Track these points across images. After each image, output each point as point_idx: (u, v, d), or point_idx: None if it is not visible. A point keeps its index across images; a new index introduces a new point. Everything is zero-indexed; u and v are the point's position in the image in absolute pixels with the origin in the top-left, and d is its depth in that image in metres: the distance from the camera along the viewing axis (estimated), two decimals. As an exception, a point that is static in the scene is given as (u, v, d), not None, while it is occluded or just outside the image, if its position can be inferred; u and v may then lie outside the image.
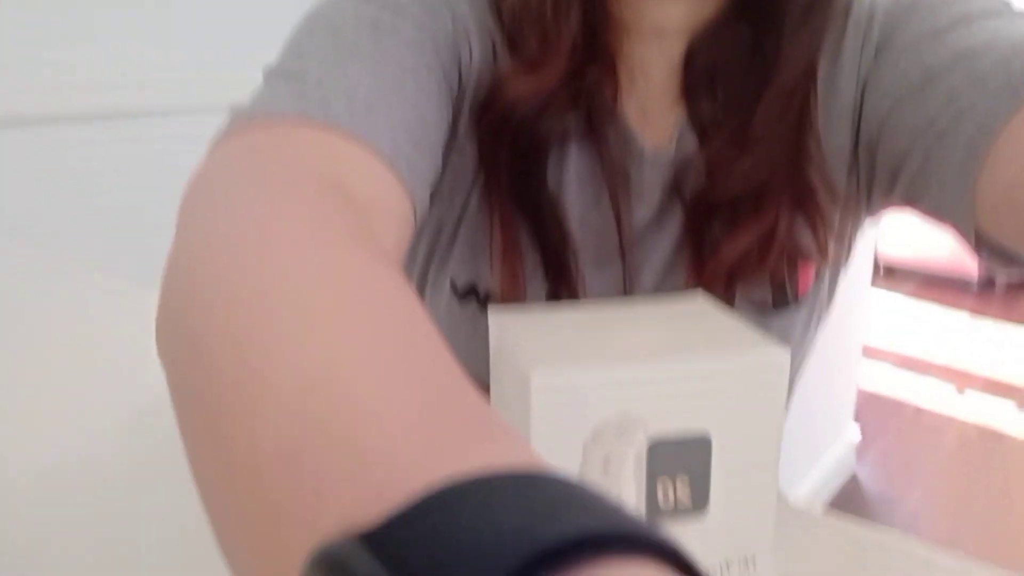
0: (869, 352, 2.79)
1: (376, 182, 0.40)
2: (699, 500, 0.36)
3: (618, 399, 0.34)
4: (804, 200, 0.56)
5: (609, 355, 0.35)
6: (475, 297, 0.61)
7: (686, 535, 0.37)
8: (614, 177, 0.57)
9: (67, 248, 1.01)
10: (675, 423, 0.35)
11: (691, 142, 0.57)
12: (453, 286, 0.61)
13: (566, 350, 0.36)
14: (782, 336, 0.62)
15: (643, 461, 0.35)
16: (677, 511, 0.36)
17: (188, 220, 0.32)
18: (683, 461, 0.36)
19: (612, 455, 0.35)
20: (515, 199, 0.57)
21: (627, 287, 0.60)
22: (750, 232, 0.54)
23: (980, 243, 0.48)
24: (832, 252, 0.59)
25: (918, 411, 2.66)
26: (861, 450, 2.44)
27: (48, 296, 0.79)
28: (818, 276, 0.62)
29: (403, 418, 0.20)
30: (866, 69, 0.55)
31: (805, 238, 0.57)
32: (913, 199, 0.54)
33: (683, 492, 0.36)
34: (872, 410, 2.64)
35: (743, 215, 0.55)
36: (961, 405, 2.67)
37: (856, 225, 0.63)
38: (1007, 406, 2.63)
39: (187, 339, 0.25)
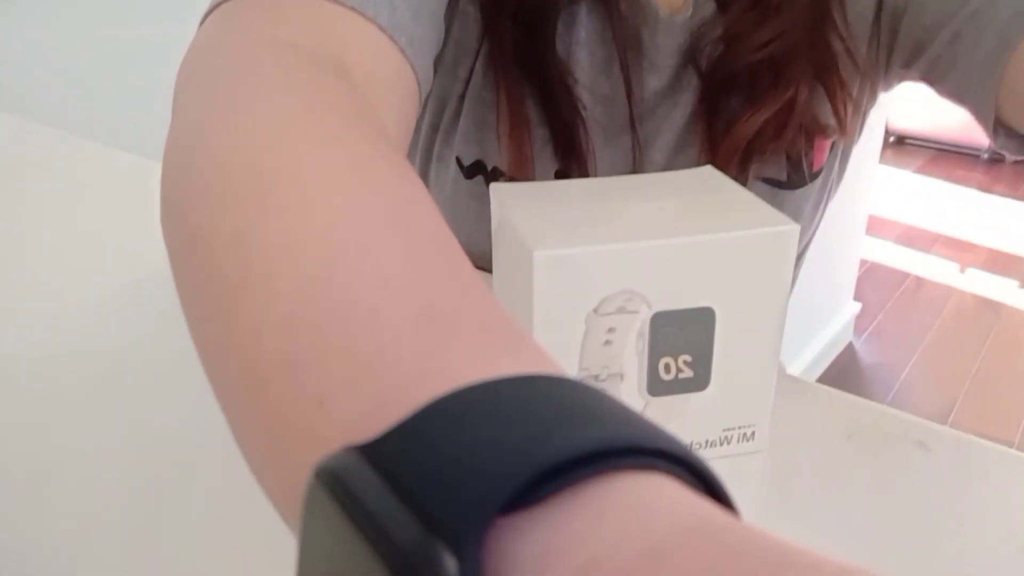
0: (874, 225, 2.78)
1: (376, 56, 0.38)
2: (701, 374, 0.36)
3: (622, 273, 0.33)
4: (826, 71, 0.53)
5: (614, 229, 0.34)
6: (482, 175, 0.59)
7: (687, 408, 0.37)
8: (625, 42, 0.54)
9: (70, 121, 0.99)
10: (679, 297, 0.34)
11: (709, 6, 0.54)
12: (459, 164, 0.59)
13: (570, 224, 0.35)
14: (793, 215, 0.61)
15: (646, 335, 0.35)
16: (679, 384, 0.37)
17: (182, 102, 0.31)
18: (686, 335, 0.35)
19: (615, 329, 0.34)
20: (521, 67, 0.54)
21: (637, 163, 0.58)
22: (769, 105, 0.52)
23: (998, 128, 0.47)
24: (849, 126, 0.57)
25: (919, 284, 2.68)
26: (860, 322, 2.47)
27: (51, 169, 0.78)
28: (832, 152, 0.60)
29: (405, 324, 0.19)
30: None
31: (824, 112, 0.55)
32: (934, 77, 0.52)
33: (685, 366, 0.36)
34: (873, 283, 2.65)
35: (762, 86, 0.53)
36: (962, 280, 2.68)
37: (872, 98, 0.61)
38: (1010, 284, 2.64)
39: (187, 233, 0.24)
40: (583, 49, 0.55)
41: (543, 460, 0.13)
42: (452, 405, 0.15)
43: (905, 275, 2.73)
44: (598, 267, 0.33)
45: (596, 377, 0.35)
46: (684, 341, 0.35)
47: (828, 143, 0.58)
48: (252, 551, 0.36)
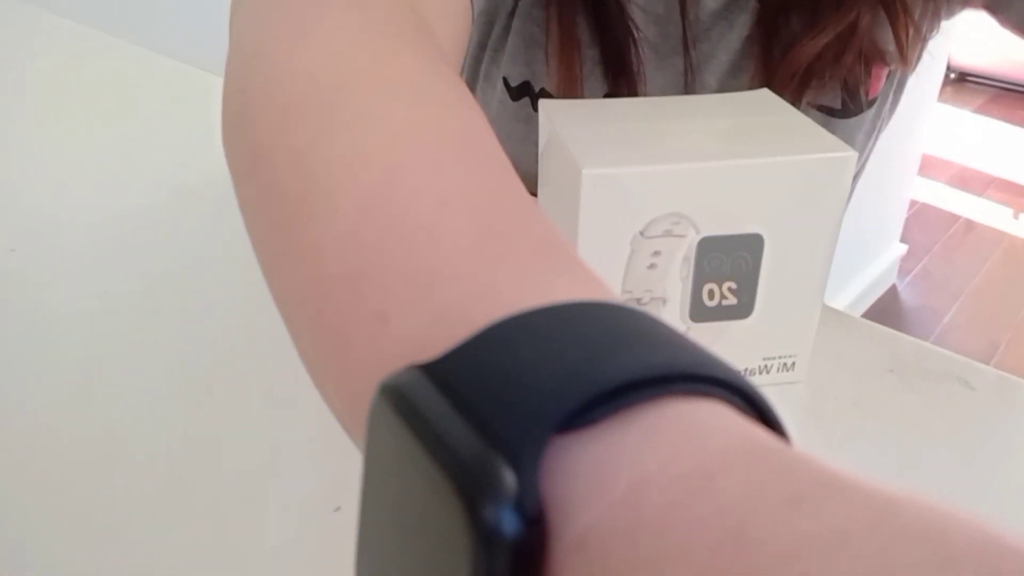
0: (926, 165, 2.70)
1: None
2: (745, 301, 0.36)
3: (670, 195, 0.33)
4: None
5: (664, 150, 0.33)
6: (528, 97, 0.58)
7: (729, 335, 0.37)
8: None
9: (133, 32, 0.99)
10: (728, 222, 0.34)
11: None
12: (506, 84, 0.58)
13: (619, 143, 0.34)
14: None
15: (692, 259, 0.35)
16: (722, 311, 0.36)
17: (241, 16, 0.30)
18: (732, 261, 0.35)
19: (660, 252, 0.34)
20: None
21: (688, 86, 0.57)
22: (830, 28, 0.50)
23: None
24: (910, 55, 0.55)
25: (969, 227, 2.61)
26: (905, 264, 2.42)
27: (109, 78, 0.78)
28: (888, 80, 0.58)
29: (462, 243, 0.19)
30: None
31: (884, 38, 0.53)
32: (997, 7, 0.49)
33: (730, 292, 0.36)
34: (921, 224, 2.59)
35: (823, 8, 0.50)
36: (1015, 225, 2.61)
37: (934, 26, 0.58)
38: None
39: (249, 148, 0.25)
40: None
41: (599, 383, 0.14)
42: (511, 328, 0.15)
43: (956, 218, 2.66)
44: (646, 188, 0.33)
45: (638, 300, 0.35)
46: (730, 267, 0.35)
47: (885, 71, 0.56)
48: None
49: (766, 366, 0.39)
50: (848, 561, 0.10)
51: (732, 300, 0.36)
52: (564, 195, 0.34)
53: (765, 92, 0.40)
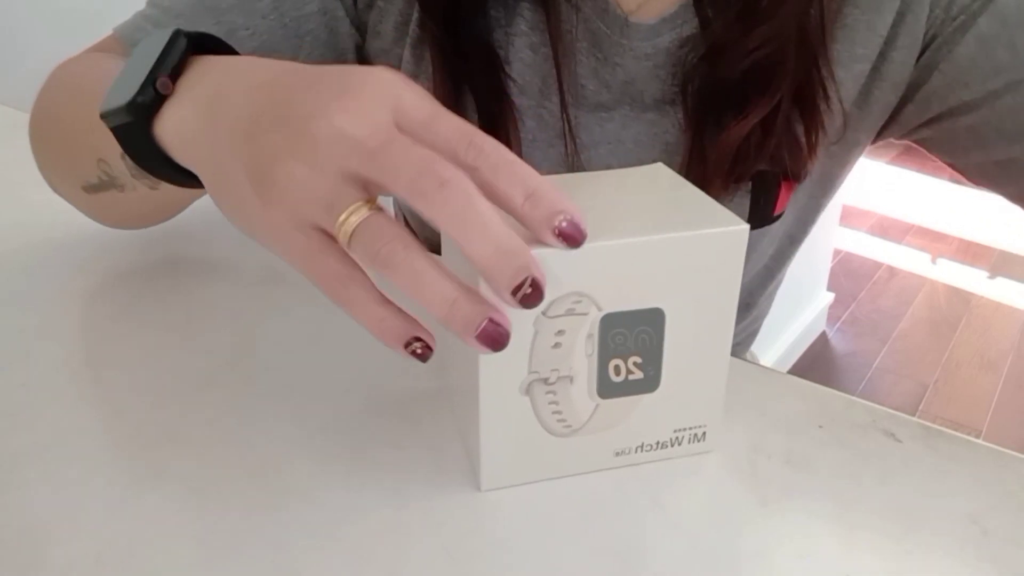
0: (847, 215, 2.80)
1: None
2: (652, 375, 0.36)
3: (569, 275, 0.33)
4: (806, 88, 0.52)
5: None
6: None
7: (638, 410, 0.37)
8: (560, 43, 0.53)
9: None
10: (628, 298, 0.34)
11: (689, 25, 0.53)
12: None
13: (518, 225, 0.34)
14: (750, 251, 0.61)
15: (596, 336, 0.35)
16: (629, 386, 0.36)
17: (49, 82, 0.53)
18: (636, 336, 0.35)
19: (564, 331, 0.34)
20: (451, 41, 0.54)
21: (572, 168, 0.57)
22: (757, 110, 0.52)
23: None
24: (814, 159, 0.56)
25: (892, 273, 2.70)
26: (833, 311, 2.49)
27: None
28: (794, 199, 0.60)
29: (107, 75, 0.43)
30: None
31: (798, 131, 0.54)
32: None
33: (635, 367, 0.36)
34: (846, 273, 2.67)
35: (751, 93, 0.52)
36: (934, 270, 2.70)
37: (850, 151, 0.60)
38: (980, 275, 2.66)
39: (45, 108, 0.53)
40: (523, 40, 0.54)
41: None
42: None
43: (878, 265, 2.75)
44: (546, 269, 0.33)
45: (546, 380, 0.35)
46: (634, 342, 0.35)
47: (791, 189, 0.58)
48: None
49: (677, 438, 0.39)
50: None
51: (639, 374, 0.36)
52: (465, 275, 0.34)
53: (659, 167, 0.41)
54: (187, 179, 0.39)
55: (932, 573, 0.34)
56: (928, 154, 0.59)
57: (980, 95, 0.51)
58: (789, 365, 2.27)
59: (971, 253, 2.80)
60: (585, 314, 0.34)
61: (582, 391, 0.36)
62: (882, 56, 0.53)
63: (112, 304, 0.52)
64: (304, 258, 0.31)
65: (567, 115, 0.55)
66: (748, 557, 0.35)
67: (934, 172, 3.27)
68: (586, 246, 0.31)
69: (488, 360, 0.34)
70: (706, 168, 0.54)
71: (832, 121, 0.55)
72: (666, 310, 0.35)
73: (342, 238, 0.29)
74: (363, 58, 0.60)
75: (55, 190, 0.55)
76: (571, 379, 0.35)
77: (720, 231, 0.35)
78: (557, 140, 0.56)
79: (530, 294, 0.29)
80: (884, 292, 2.62)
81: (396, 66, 0.57)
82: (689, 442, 0.39)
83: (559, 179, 0.40)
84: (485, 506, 0.37)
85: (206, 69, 0.38)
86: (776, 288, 0.75)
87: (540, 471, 0.38)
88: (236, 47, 0.45)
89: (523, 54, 0.54)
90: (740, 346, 0.78)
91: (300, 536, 0.35)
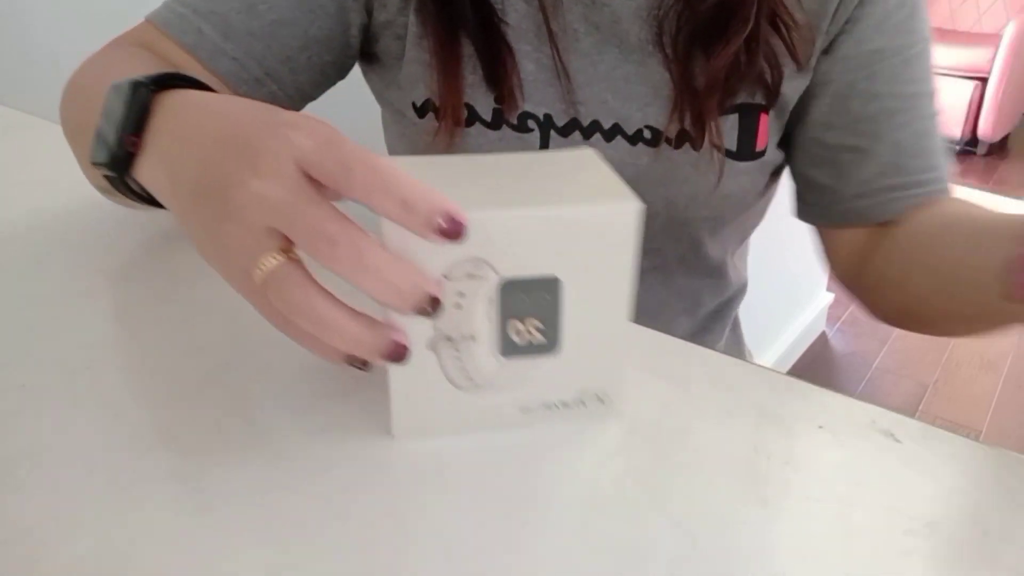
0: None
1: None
2: (551, 338, 0.39)
3: (469, 239, 0.34)
4: (776, 11, 0.59)
5: (467, 199, 0.35)
6: (433, 112, 0.65)
7: (541, 370, 0.40)
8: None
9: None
10: (525, 266, 0.37)
11: None
12: (413, 107, 0.65)
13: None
14: (743, 184, 0.66)
15: (496, 300, 0.37)
16: (530, 348, 0.39)
17: (74, 78, 0.58)
18: (534, 301, 0.38)
19: (464, 294, 0.37)
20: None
21: (571, 106, 0.63)
22: (734, 38, 0.58)
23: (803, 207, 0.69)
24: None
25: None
26: (832, 312, 2.49)
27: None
28: (771, 137, 0.65)
29: (125, 73, 0.46)
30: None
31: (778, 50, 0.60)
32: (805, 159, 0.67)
33: (536, 330, 0.38)
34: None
35: (728, 26, 0.58)
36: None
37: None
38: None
39: (71, 100, 0.57)
40: None
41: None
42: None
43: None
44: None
45: (450, 339, 0.38)
46: (533, 307, 0.38)
47: (767, 121, 0.63)
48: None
49: (582, 399, 0.41)
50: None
51: (539, 337, 0.39)
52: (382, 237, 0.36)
53: (589, 152, 0.43)
54: None
55: (932, 573, 0.34)
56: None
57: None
58: (789, 365, 2.28)
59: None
60: (484, 278, 0.37)
61: (485, 350, 0.39)
62: None
63: (112, 304, 0.52)
64: (251, 298, 0.37)
65: (560, 60, 0.62)
66: (748, 557, 0.35)
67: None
68: (483, 214, 0.34)
69: (397, 319, 0.36)
70: (697, 97, 0.60)
71: (802, 37, 0.61)
72: (562, 278, 0.38)
73: (259, 284, 0.35)
74: (369, 34, 0.66)
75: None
76: (473, 338, 0.38)
77: (611, 207, 0.37)
78: (556, 80, 0.63)
79: (431, 312, 0.34)
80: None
81: (402, 35, 0.64)
82: (594, 403, 0.41)
83: (495, 158, 0.42)
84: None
85: (167, 119, 0.42)
86: (745, 252, 0.81)
87: (450, 424, 0.40)
88: (254, 20, 0.60)
89: (517, 5, 0.62)
90: (720, 315, 0.80)
91: (300, 536, 0.35)
